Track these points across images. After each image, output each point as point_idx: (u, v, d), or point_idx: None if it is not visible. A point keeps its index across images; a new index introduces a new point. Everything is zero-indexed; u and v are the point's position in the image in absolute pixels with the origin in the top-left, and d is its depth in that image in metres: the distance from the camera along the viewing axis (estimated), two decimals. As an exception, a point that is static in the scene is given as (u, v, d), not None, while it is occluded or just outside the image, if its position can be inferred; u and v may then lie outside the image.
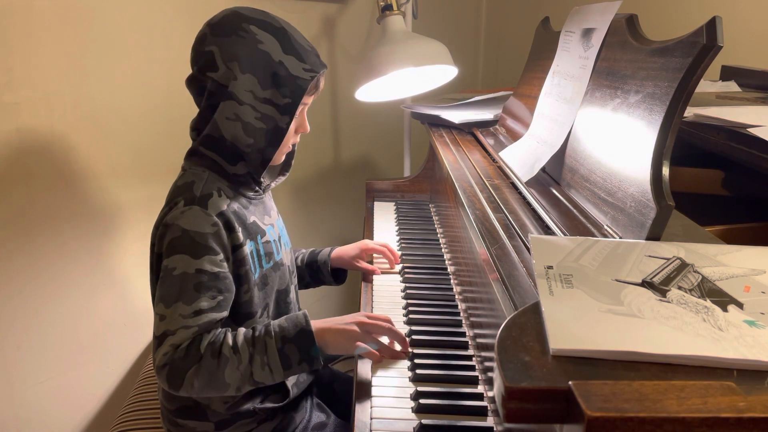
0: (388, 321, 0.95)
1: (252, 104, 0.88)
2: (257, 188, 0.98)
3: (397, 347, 0.94)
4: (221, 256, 0.87)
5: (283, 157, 1.01)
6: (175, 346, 0.84)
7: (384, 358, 0.92)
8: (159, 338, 0.85)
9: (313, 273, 1.24)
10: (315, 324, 0.90)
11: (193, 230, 0.85)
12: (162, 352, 0.84)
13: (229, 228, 0.89)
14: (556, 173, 0.94)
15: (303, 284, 1.25)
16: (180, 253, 0.85)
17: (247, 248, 0.92)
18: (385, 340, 0.94)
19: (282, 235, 1.06)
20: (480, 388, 0.86)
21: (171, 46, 1.41)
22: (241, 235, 0.91)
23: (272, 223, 1.02)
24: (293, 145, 1.03)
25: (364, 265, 1.24)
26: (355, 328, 0.92)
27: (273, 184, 1.05)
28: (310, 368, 0.89)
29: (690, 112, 0.91)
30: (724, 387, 0.39)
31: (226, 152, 0.91)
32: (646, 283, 0.55)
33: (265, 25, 0.90)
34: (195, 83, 0.92)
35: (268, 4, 1.24)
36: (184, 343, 0.84)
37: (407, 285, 1.18)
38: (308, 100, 0.95)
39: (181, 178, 0.93)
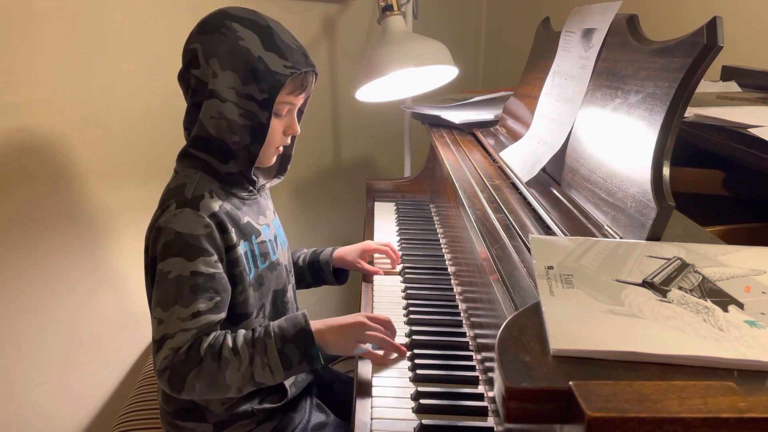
0: (389, 322, 0.95)
1: (235, 101, 0.88)
2: (251, 188, 0.98)
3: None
4: (215, 257, 0.87)
5: (273, 159, 1.00)
6: (174, 349, 0.84)
7: (385, 360, 0.92)
8: (158, 342, 0.85)
9: (314, 273, 1.24)
10: (315, 324, 0.90)
11: (186, 232, 0.85)
12: (162, 356, 0.84)
13: (222, 229, 0.89)
14: (556, 173, 0.94)
15: (305, 284, 1.25)
16: (174, 255, 0.85)
17: (241, 249, 0.92)
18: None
19: (278, 235, 1.06)
20: (480, 389, 0.86)
21: (170, 46, 1.40)
22: (234, 235, 0.91)
23: (267, 223, 1.02)
24: (287, 148, 1.02)
25: (365, 266, 1.24)
26: (355, 328, 0.92)
27: (268, 185, 1.04)
28: (310, 368, 0.89)
29: (690, 112, 0.91)
30: (725, 387, 0.39)
31: (216, 151, 0.91)
32: (646, 284, 0.55)
33: (249, 23, 0.89)
34: (181, 80, 0.93)
35: (268, 5, 1.25)
36: (184, 346, 0.84)
37: (407, 285, 1.18)
38: (294, 100, 0.94)
39: (173, 180, 0.93)
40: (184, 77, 0.92)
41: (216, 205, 0.89)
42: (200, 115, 0.89)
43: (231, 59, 0.87)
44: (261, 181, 1.01)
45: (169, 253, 0.85)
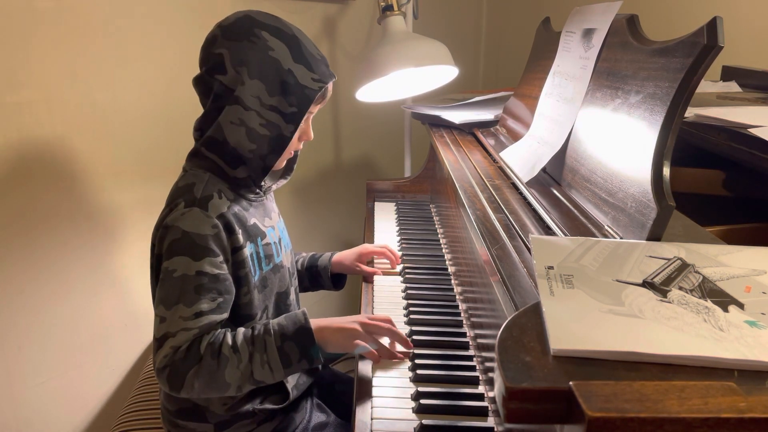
0: (389, 322, 0.95)
1: (258, 110, 0.88)
2: (258, 190, 0.98)
3: (399, 348, 0.94)
4: (221, 257, 0.87)
5: (284, 163, 1.01)
6: (175, 348, 0.84)
7: (383, 358, 0.92)
8: (159, 340, 0.85)
9: (312, 277, 1.25)
10: (315, 322, 0.90)
11: (193, 232, 0.85)
12: (162, 354, 0.84)
13: (229, 230, 0.89)
14: (556, 174, 0.94)
15: (302, 288, 1.25)
16: (180, 254, 0.85)
17: (247, 250, 0.92)
18: (385, 341, 0.94)
19: (282, 237, 1.06)
20: (481, 389, 0.86)
21: (171, 47, 1.41)
22: (241, 237, 0.91)
23: (273, 225, 1.02)
24: (295, 151, 1.03)
25: (364, 267, 1.24)
26: (356, 326, 0.92)
27: (274, 187, 1.05)
28: (309, 366, 0.89)
29: (691, 112, 0.91)
30: (725, 387, 0.39)
31: (228, 156, 0.91)
32: (646, 284, 0.55)
33: (277, 32, 0.89)
34: (202, 83, 0.92)
35: (268, 5, 1.25)
36: (184, 345, 0.84)
37: (408, 285, 1.18)
38: (314, 109, 0.95)
39: (182, 179, 0.93)
40: (204, 81, 0.91)
41: (224, 206, 0.90)
42: (220, 119, 0.88)
43: (260, 69, 0.87)
44: (267, 182, 1.01)
45: (175, 252, 0.85)
